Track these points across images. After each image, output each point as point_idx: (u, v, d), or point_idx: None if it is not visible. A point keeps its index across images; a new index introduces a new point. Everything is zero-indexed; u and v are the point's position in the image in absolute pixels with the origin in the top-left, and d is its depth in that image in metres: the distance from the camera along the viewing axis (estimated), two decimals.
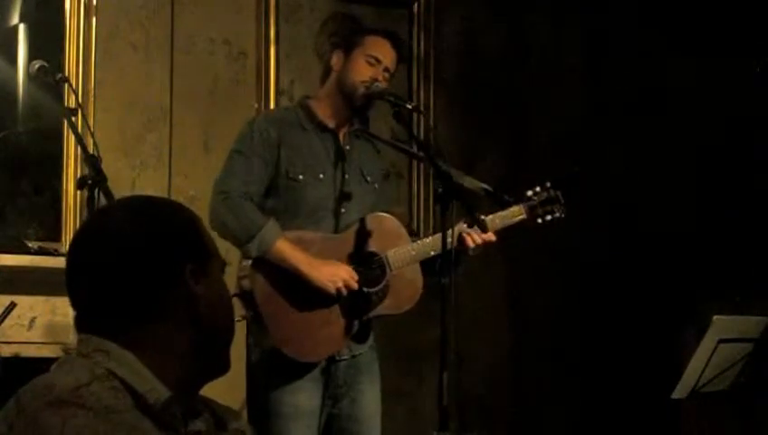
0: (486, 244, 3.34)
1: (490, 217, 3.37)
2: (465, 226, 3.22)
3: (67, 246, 4.41)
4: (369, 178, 3.43)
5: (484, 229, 3.25)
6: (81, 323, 1.53)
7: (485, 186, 3.48)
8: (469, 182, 3.45)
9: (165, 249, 1.52)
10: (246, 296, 3.19)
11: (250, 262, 3.19)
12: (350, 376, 3.33)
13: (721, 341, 3.50)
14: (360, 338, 3.34)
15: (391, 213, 3.45)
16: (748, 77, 4.45)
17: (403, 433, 4.51)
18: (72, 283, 1.53)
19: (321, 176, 3.34)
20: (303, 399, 3.23)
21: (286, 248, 3.19)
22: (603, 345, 4.87)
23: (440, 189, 3.07)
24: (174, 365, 1.50)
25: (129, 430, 1.42)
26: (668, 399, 3.55)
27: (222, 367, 1.58)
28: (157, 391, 1.47)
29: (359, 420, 3.36)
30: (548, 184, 3.51)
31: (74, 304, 1.54)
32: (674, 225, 4.62)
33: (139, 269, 1.49)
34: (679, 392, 3.54)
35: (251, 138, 3.32)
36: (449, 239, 3.04)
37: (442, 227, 3.04)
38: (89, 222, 1.55)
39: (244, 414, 3.27)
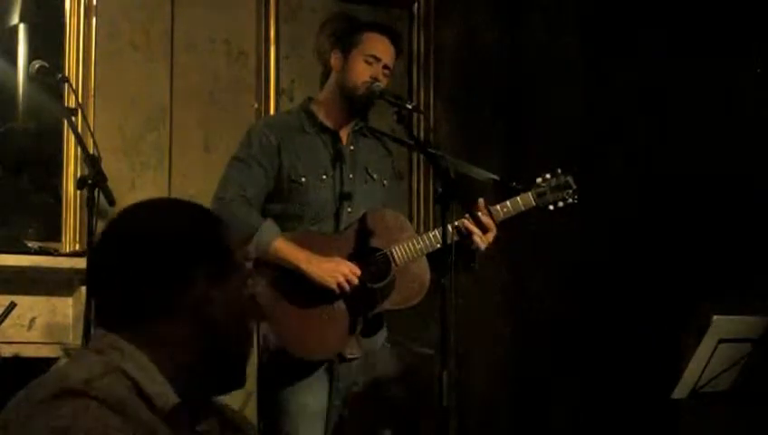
0: (494, 236, 3.31)
1: (498, 205, 3.35)
2: (468, 220, 3.22)
3: (67, 246, 4.41)
4: (374, 176, 3.42)
5: (482, 227, 3.25)
6: (99, 318, 1.53)
7: (494, 175, 3.47)
8: (477, 172, 3.44)
9: (179, 247, 1.50)
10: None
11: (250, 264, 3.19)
12: (366, 375, 3.33)
13: (721, 341, 3.49)
14: (368, 334, 3.33)
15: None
16: (748, 77, 4.44)
17: None
18: (90, 279, 1.54)
19: (324, 177, 3.34)
20: (311, 397, 3.24)
21: (284, 247, 3.19)
22: (603, 345, 4.86)
23: (440, 189, 3.07)
24: (185, 369, 1.48)
25: (139, 425, 1.41)
26: (668, 399, 3.55)
27: (235, 379, 1.56)
28: (165, 395, 1.45)
29: None
30: (558, 170, 3.48)
31: (95, 300, 1.54)
32: (674, 225, 4.61)
33: (152, 265, 1.48)
34: (679, 392, 3.54)
35: (249, 144, 3.33)
36: (450, 239, 3.03)
37: (443, 226, 3.04)
38: (112, 220, 1.55)
39: (246, 412, 3.27)
